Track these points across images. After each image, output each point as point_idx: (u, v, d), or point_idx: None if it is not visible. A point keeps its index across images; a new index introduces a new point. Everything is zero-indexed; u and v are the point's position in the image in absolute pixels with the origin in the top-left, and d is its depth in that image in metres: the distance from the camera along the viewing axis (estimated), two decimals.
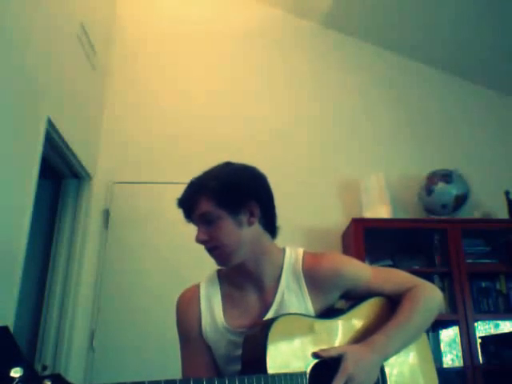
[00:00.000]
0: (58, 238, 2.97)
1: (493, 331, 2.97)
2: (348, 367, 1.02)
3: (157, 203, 3.11)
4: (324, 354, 1.05)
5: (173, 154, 3.27)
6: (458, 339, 2.68)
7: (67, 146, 2.70)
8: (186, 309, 1.22)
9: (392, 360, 1.14)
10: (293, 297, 1.17)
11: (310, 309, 1.16)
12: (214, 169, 1.19)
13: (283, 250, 1.24)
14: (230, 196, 1.13)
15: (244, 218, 1.14)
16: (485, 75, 3.51)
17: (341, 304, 1.27)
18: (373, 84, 3.57)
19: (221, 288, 1.23)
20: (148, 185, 3.15)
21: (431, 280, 2.78)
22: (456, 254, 2.79)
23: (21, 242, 2.15)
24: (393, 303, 1.21)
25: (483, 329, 2.95)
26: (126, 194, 3.16)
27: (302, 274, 1.19)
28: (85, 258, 3.00)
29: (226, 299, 1.20)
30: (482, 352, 2.69)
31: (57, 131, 2.53)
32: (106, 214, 3.12)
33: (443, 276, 2.81)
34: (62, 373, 0.83)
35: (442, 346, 2.97)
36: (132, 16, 3.65)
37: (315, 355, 1.05)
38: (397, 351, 1.13)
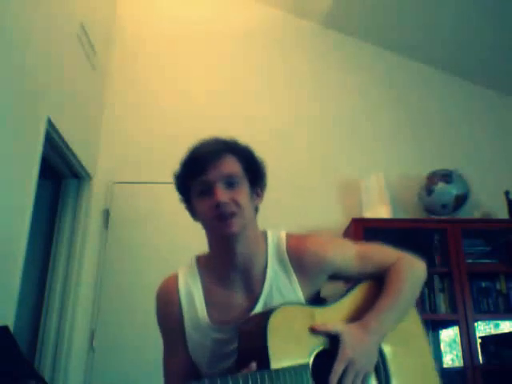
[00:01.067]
0: (58, 238, 2.97)
1: (493, 331, 2.97)
2: (347, 352, 1.00)
3: (157, 203, 3.11)
4: (321, 329, 1.02)
5: (173, 154, 3.24)
6: (458, 339, 2.68)
7: (67, 146, 2.70)
8: (165, 304, 1.15)
9: (389, 339, 1.12)
10: (281, 285, 1.11)
11: (300, 296, 1.11)
12: (233, 139, 1.16)
13: (264, 234, 1.17)
14: (255, 167, 1.13)
15: (254, 194, 1.13)
16: (485, 75, 3.51)
17: (334, 288, 1.26)
18: (373, 84, 3.57)
19: (201, 281, 1.14)
20: (148, 185, 3.15)
21: (431, 280, 2.78)
22: (456, 254, 2.79)
23: (21, 241, 2.15)
24: (380, 282, 1.18)
25: (483, 329, 2.95)
26: (126, 194, 3.16)
27: (287, 260, 1.13)
28: (85, 258, 3.00)
29: (208, 294, 1.12)
30: (482, 352, 2.69)
31: (57, 131, 2.53)
32: (106, 214, 3.12)
33: (443, 276, 2.81)
34: (62, 373, 0.83)
35: (442, 346, 2.97)
36: (132, 16, 3.65)
37: (312, 330, 1.02)
38: (391, 328, 1.11)
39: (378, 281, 1.19)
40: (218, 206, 1.03)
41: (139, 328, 2.83)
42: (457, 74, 3.58)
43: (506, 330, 2.97)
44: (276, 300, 1.09)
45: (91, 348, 2.84)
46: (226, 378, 0.82)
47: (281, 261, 1.13)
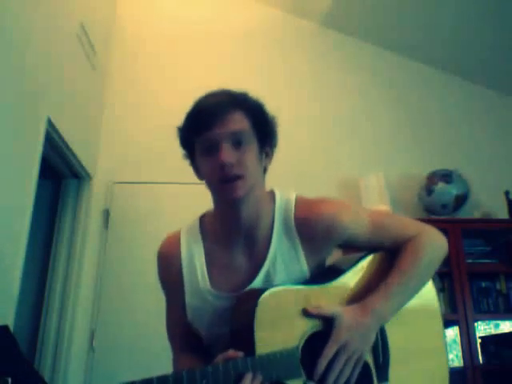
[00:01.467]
0: (58, 238, 2.97)
1: (493, 331, 2.97)
2: (340, 335, 0.94)
3: (157, 203, 3.11)
4: (315, 312, 0.95)
5: (173, 154, 3.26)
6: (458, 339, 2.68)
7: (67, 146, 2.70)
8: (166, 264, 1.09)
9: (395, 320, 1.04)
10: (285, 254, 1.03)
11: (304, 266, 1.03)
12: (243, 92, 1.05)
13: (273, 195, 1.09)
14: (265, 124, 1.03)
15: (263, 154, 1.04)
16: (485, 75, 3.51)
17: (337, 256, 1.17)
18: (373, 84, 3.57)
19: (204, 244, 1.07)
20: (148, 185, 3.15)
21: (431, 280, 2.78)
22: (456, 254, 2.79)
23: (21, 242, 2.15)
24: (392, 256, 1.07)
25: (483, 329, 2.95)
26: (126, 193, 3.16)
27: (293, 225, 1.04)
28: (85, 257, 3.00)
29: (210, 257, 1.06)
30: (482, 352, 2.69)
31: (57, 131, 2.53)
32: (106, 214, 3.11)
33: (443, 276, 2.81)
34: (62, 373, 0.83)
35: None
36: (132, 16, 3.65)
37: (305, 312, 0.94)
38: (396, 311, 1.02)
39: (385, 255, 1.08)
40: (222, 167, 0.94)
41: (139, 328, 2.83)
42: (457, 74, 3.58)
43: (506, 330, 2.97)
44: (279, 269, 1.02)
45: (91, 348, 2.84)
46: (206, 367, 0.81)
47: (287, 227, 1.04)
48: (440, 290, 2.77)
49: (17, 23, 2.10)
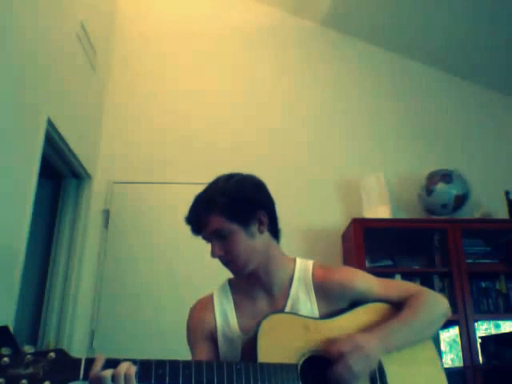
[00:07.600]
0: (58, 238, 2.97)
1: (493, 331, 2.96)
2: (357, 338, 1.08)
3: (157, 203, 3.11)
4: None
5: (173, 154, 3.27)
6: (458, 339, 2.68)
7: (67, 146, 2.70)
8: (200, 313, 1.26)
9: (394, 360, 1.14)
10: (302, 304, 1.21)
11: (316, 314, 1.20)
12: (218, 183, 1.21)
13: (294, 261, 1.29)
14: (239, 209, 1.18)
15: (254, 227, 1.19)
16: (484, 75, 3.51)
17: None
18: (373, 84, 3.56)
19: (233, 296, 1.28)
20: (148, 185, 3.15)
21: (431, 280, 2.79)
22: (456, 254, 2.79)
23: (21, 242, 2.15)
24: (394, 307, 1.23)
25: (483, 329, 2.95)
26: (126, 193, 3.16)
27: (312, 285, 1.23)
28: (85, 257, 3.00)
29: (238, 307, 1.26)
30: (482, 352, 2.69)
31: (57, 131, 2.53)
32: (106, 213, 3.11)
33: (443, 276, 2.81)
34: None
35: (442, 346, 2.97)
36: (132, 16, 3.65)
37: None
38: (398, 346, 1.15)
39: (387, 304, 1.25)
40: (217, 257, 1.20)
41: (139, 328, 2.84)
42: (457, 74, 3.58)
43: (506, 330, 2.96)
44: None
45: (91, 348, 2.84)
46: (212, 363, 0.96)
47: (305, 286, 1.24)
48: (440, 290, 2.77)
49: (17, 23, 2.10)
